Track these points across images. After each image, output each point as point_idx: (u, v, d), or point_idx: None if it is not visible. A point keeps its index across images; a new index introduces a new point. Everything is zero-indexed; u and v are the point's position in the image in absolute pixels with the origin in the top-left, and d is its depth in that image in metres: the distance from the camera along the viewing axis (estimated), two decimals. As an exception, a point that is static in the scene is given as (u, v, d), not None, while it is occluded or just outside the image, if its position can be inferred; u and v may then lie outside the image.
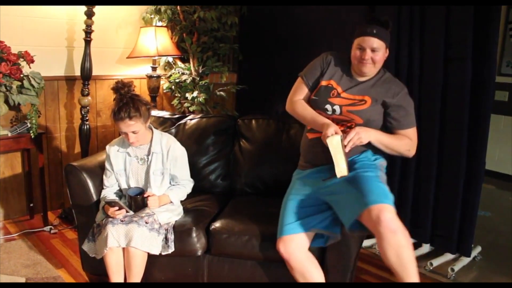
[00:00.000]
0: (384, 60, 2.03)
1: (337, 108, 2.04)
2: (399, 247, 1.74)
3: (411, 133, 2.05)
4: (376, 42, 1.94)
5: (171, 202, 2.37)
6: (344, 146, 1.87)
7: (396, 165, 3.06)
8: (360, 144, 1.92)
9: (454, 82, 2.76)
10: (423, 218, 2.99)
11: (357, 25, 2.01)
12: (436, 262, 2.86)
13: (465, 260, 2.87)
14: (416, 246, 3.08)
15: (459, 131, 2.75)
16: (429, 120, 2.89)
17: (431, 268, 2.83)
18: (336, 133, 1.88)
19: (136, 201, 2.24)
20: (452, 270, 2.76)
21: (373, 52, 1.96)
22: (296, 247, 1.96)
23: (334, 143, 1.84)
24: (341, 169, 1.86)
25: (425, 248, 3.04)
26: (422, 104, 2.93)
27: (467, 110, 2.70)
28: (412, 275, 1.77)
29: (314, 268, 2.00)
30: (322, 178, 2.03)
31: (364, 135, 1.90)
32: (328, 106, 2.04)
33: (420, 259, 2.94)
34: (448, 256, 2.93)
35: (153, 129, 2.44)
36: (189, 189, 2.50)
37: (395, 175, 3.08)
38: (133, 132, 2.24)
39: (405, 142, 2.01)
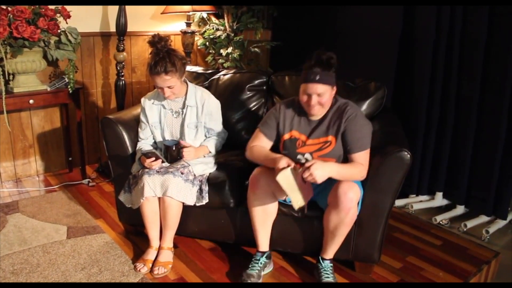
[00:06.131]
0: (333, 95, 2.10)
1: (308, 156, 2.12)
2: (341, 222, 2.01)
3: (362, 157, 2.05)
4: (320, 88, 1.99)
5: (210, 152, 2.40)
6: (302, 179, 1.87)
7: (433, 125, 2.99)
8: (314, 182, 1.90)
9: (499, 36, 2.63)
10: (459, 179, 2.94)
11: (302, 70, 2.05)
12: (471, 223, 2.82)
13: (500, 223, 2.82)
14: (450, 207, 3.05)
15: (501, 90, 2.64)
16: (470, 78, 2.78)
17: (465, 229, 2.79)
18: (288, 165, 1.91)
19: (172, 152, 2.28)
20: (487, 232, 2.72)
21: (319, 96, 2.01)
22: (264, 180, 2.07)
23: (284, 178, 1.86)
24: (297, 200, 1.88)
25: (459, 209, 3.00)
26: (463, 61, 2.82)
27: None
28: (335, 243, 2.11)
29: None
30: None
31: (320, 173, 1.87)
32: (300, 157, 2.11)
33: (453, 221, 2.91)
34: (483, 218, 2.88)
35: (188, 82, 2.44)
36: (225, 137, 2.53)
37: (431, 135, 3.01)
38: (169, 87, 2.26)
39: (359, 170, 2.03)
